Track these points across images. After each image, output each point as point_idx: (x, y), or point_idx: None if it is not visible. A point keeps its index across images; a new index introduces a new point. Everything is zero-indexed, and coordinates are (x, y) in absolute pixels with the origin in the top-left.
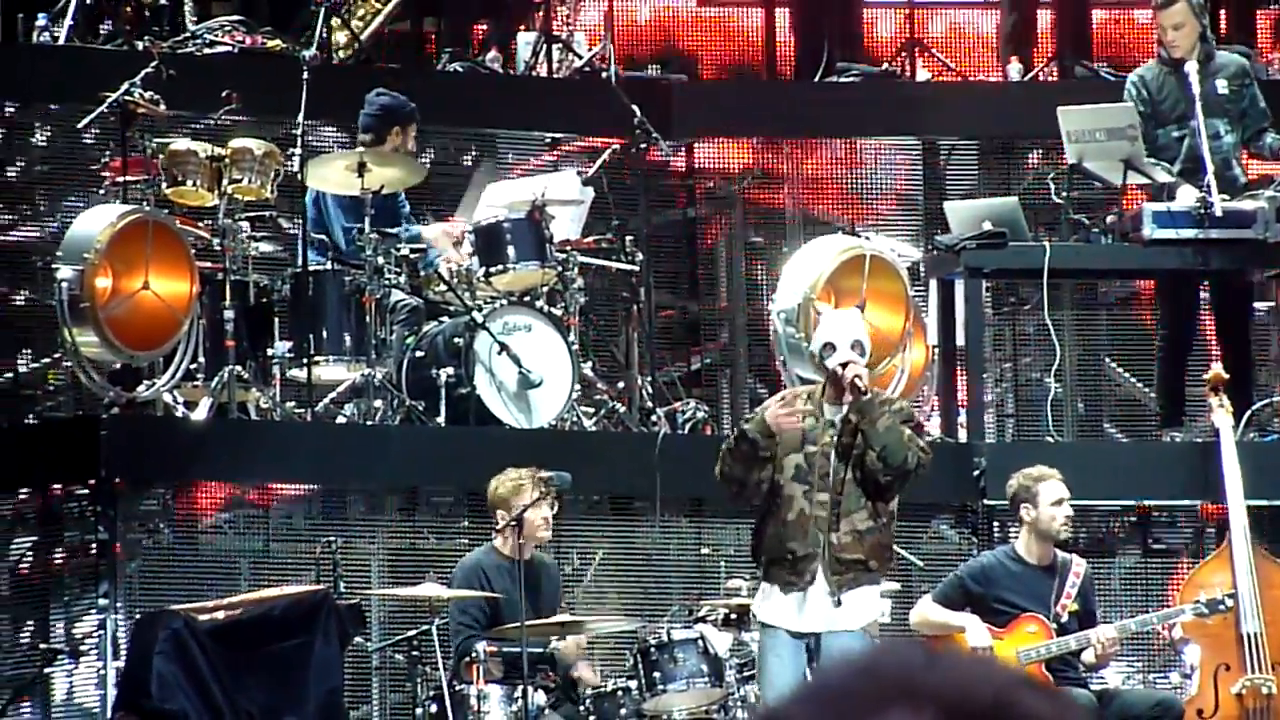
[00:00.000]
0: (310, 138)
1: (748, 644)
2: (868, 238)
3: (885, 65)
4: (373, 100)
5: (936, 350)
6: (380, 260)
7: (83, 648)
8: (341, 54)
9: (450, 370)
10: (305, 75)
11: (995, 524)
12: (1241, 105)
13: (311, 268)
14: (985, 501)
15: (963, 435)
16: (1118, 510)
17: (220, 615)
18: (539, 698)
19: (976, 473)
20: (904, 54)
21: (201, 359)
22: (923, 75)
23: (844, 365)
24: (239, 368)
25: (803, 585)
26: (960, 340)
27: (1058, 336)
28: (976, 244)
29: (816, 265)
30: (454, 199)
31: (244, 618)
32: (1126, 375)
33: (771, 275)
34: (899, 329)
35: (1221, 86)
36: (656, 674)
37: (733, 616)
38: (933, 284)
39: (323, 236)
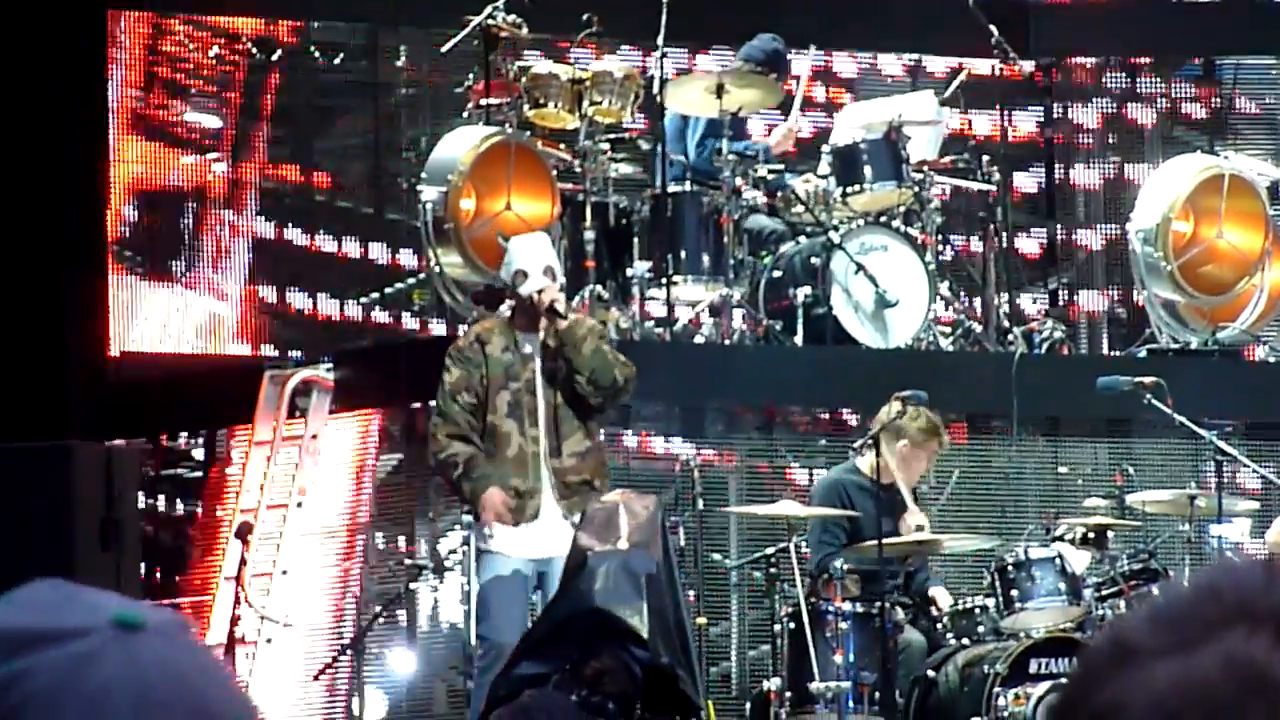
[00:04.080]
0: (668, 61)
1: (1106, 563)
2: (1226, 157)
3: None
4: (768, 41)
5: None
6: (738, 181)
7: (446, 564)
8: None
9: (807, 290)
10: None
11: None
12: None
13: (670, 189)
14: None
15: None
16: None
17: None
18: (896, 615)
19: None
20: None
21: (563, 279)
22: None
23: (539, 292)
24: (599, 287)
25: (528, 518)
26: None
27: None
28: None
29: (1175, 185)
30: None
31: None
32: None
33: (1129, 195)
34: (1258, 248)
35: None
36: (1014, 592)
37: (1090, 535)
38: None
39: (681, 158)
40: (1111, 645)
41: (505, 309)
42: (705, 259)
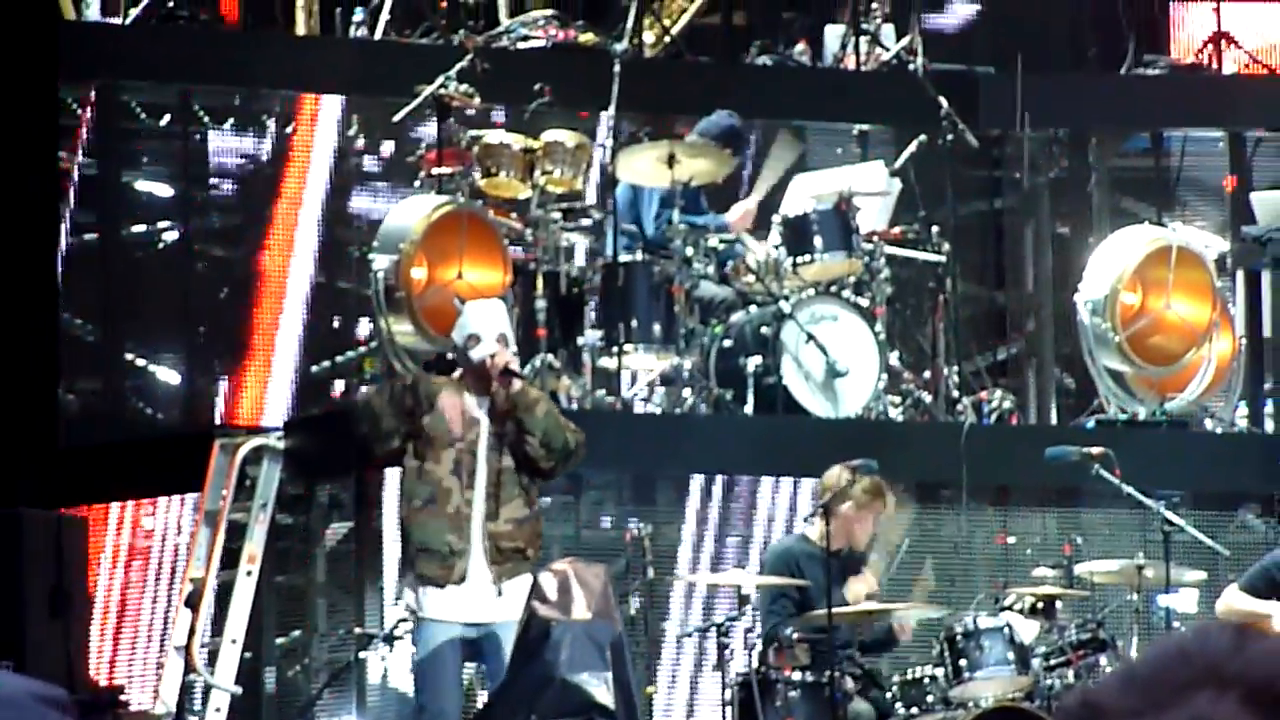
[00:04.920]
0: (620, 130)
1: (1054, 632)
2: (1174, 229)
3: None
4: (724, 117)
5: (1243, 341)
6: (689, 251)
7: (396, 634)
8: (652, 48)
9: (758, 360)
10: (616, 69)
11: None
12: None
13: (622, 258)
14: None
15: (1269, 425)
16: None
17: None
18: (846, 685)
19: None
20: (1210, 46)
21: (514, 348)
22: (1229, 68)
23: (493, 356)
24: (551, 356)
25: (456, 579)
26: (1267, 331)
27: None
28: None
29: (1123, 256)
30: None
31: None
32: None
33: (1077, 265)
34: (1206, 320)
35: None
36: (963, 661)
37: (1039, 605)
38: (1239, 275)
39: (632, 227)
40: (1082, 707)
41: (456, 375)
42: (656, 328)
